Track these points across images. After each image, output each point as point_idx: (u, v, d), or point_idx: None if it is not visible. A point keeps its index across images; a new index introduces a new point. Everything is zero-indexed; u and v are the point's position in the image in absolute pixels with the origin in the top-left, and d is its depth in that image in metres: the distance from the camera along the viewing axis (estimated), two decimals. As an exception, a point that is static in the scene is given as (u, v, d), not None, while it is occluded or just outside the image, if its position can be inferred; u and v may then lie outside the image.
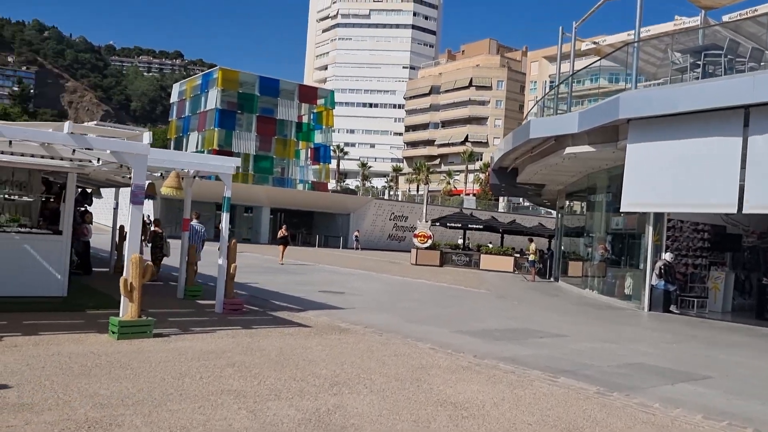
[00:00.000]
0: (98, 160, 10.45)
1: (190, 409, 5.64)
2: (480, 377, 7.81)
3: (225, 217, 11.71)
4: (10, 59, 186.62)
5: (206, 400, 5.95)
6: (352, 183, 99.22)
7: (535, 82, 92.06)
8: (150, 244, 17.17)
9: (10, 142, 9.10)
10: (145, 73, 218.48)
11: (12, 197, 12.46)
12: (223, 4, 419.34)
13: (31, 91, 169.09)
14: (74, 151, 9.92)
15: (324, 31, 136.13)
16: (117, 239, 17.63)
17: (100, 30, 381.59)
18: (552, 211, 51.61)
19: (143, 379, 6.54)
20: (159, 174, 12.85)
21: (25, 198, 12.37)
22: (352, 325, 11.26)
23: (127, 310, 8.75)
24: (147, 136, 9.08)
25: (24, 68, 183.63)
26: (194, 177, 13.09)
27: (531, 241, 32.04)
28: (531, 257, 30.35)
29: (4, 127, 8.08)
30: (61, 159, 11.06)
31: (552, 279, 30.74)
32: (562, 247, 30.19)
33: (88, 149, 10.35)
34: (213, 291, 12.28)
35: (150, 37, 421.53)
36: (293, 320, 11.36)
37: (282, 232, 28.32)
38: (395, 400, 6.44)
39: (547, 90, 33.59)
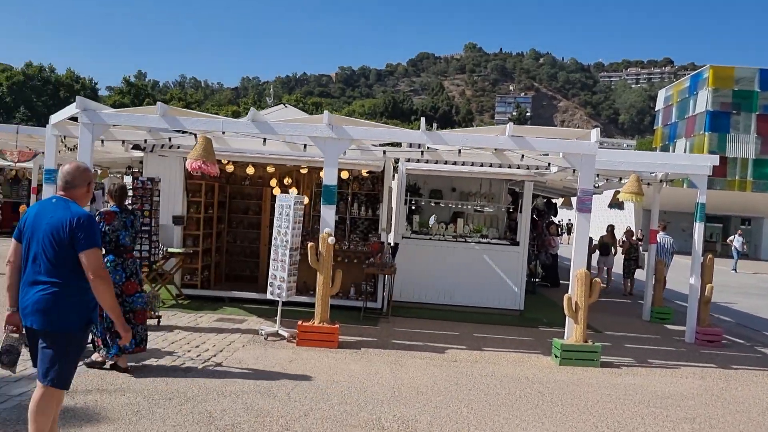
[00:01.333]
0: (548, 165, 9.72)
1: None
2: None
3: (698, 228, 9.72)
4: (510, 87, 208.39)
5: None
6: None
7: None
8: (624, 256, 16.11)
9: (459, 150, 9.05)
10: (632, 85, 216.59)
11: (480, 209, 12.72)
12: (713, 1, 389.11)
13: (527, 113, 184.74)
14: (522, 156, 9.42)
15: None
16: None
17: (589, 49, 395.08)
18: None
19: (568, 425, 5.34)
20: (618, 179, 11.56)
21: (486, 209, 12.46)
22: None
23: (572, 333, 7.69)
24: (594, 134, 7.88)
25: (522, 94, 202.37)
26: (662, 182, 11.31)
27: None
28: None
29: (448, 135, 7.94)
30: (518, 167, 10.73)
31: None
32: None
33: (544, 154, 9.79)
34: (685, 314, 10.29)
35: (638, 49, 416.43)
36: (792, 363, 8.66)
37: None
38: None
39: None
